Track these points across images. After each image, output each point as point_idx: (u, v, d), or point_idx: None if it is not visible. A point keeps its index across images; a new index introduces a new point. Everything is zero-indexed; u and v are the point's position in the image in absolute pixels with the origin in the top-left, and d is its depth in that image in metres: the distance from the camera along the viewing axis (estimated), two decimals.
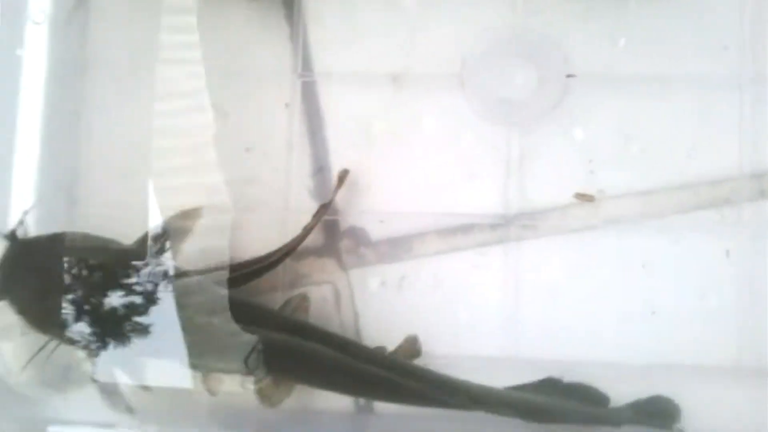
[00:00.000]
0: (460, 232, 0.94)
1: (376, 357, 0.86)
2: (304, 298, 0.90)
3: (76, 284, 0.83)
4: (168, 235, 0.85)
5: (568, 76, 0.94)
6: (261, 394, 0.84)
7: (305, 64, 0.97)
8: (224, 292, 0.82)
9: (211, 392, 0.84)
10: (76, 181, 0.97)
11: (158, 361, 0.83)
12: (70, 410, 0.91)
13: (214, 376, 0.84)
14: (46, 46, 0.97)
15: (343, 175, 0.92)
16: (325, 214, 0.92)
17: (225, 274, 0.84)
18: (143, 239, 0.85)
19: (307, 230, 0.90)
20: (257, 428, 0.90)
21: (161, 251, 0.85)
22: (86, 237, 0.86)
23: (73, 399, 0.91)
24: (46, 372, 0.92)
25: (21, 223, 0.85)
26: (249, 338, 0.81)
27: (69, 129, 0.98)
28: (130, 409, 0.86)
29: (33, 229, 0.87)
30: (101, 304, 0.82)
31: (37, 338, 0.87)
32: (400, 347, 0.88)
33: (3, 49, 0.96)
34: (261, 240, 0.92)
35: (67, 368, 0.92)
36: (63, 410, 0.91)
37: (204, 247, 0.86)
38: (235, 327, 0.81)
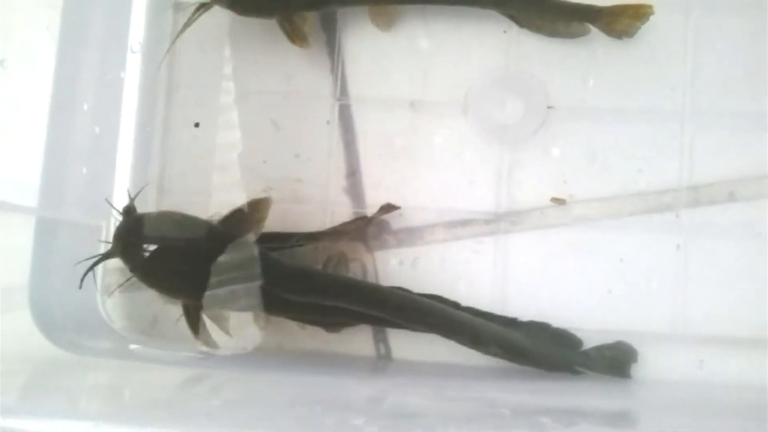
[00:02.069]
0: (461, 225, 1.07)
1: (398, 298, 1.00)
2: (343, 255, 1.04)
3: (176, 250, 0.96)
4: (242, 217, 0.98)
5: (549, 107, 1.07)
6: None
7: (343, 91, 1.10)
8: (284, 258, 0.97)
9: (259, 327, 1.01)
10: (164, 175, 1.11)
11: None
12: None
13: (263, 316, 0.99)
14: (140, 70, 1.11)
15: (389, 209, 1.06)
16: (364, 226, 1.06)
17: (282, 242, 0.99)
18: (225, 219, 0.98)
19: (344, 227, 1.05)
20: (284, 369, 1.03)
21: (238, 228, 0.97)
22: (183, 215, 0.98)
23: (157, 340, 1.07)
24: (140, 322, 1.08)
25: (133, 200, 0.96)
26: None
27: (159, 136, 1.11)
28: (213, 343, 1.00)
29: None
30: (195, 264, 0.94)
31: (136, 297, 1.03)
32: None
33: (109, 72, 1.09)
34: (306, 227, 1.06)
35: (156, 319, 1.09)
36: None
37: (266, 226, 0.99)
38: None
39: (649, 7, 1.04)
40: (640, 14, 1.04)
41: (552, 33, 1.08)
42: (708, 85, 1.07)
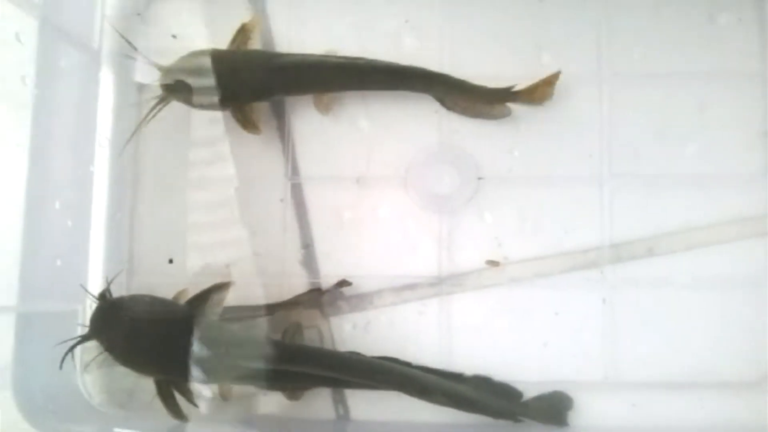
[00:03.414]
0: (407, 289, 1.14)
1: (352, 360, 1.06)
2: (299, 326, 1.11)
3: (147, 330, 1.00)
4: (207, 297, 1.03)
5: (479, 178, 1.14)
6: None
7: (294, 171, 1.17)
8: (245, 331, 1.04)
9: (224, 397, 1.05)
10: (132, 259, 1.17)
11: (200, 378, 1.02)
12: (131, 421, 1.09)
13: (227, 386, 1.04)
14: (108, 163, 1.18)
15: (343, 284, 1.12)
16: (318, 297, 1.11)
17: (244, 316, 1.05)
18: (191, 300, 1.04)
19: (299, 298, 1.11)
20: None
21: (204, 308, 1.03)
22: (153, 298, 1.03)
23: (134, 414, 1.10)
24: (117, 395, 1.12)
25: (109, 285, 1.02)
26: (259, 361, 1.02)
27: (127, 222, 1.18)
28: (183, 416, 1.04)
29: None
30: (165, 343, 1.00)
31: (112, 371, 1.07)
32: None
33: (79, 168, 1.15)
34: (265, 298, 1.13)
35: (132, 393, 1.12)
36: (126, 421, 1.09)
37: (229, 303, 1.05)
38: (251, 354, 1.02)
39: (557, 73, 1.12)
40: (551, 81, 1.12)
41: (476, 114, 1.16)
42: (623, 150, 1.15)
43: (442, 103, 1.17)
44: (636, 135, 1.16)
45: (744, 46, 1.16)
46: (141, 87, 1.20)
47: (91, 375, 1.13)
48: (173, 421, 1.04)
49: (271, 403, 1.12)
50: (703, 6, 1.17)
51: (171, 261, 1.14)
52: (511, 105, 1.15)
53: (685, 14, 1.17)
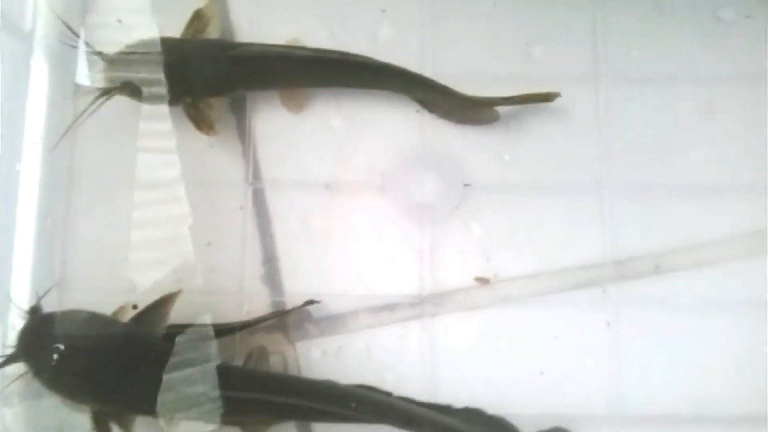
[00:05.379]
0: (385, 310, 1.06)
1: (324, 388, 0.98)
2: (264, 350, 1.01)
3: (84, 351, 0.92)
4: (153, 314, 0.96)
5: (466, 184, 1.07)
6: None
7: (255, 175, 1.08)
8: (199, 354, 0.94)
9: None
10: (66, 271, 1.06)
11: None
12: None
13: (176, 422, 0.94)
14: (39, 161, 1.07)
15: (310, 303, 1.04)
16: (281, 315, 1.03)
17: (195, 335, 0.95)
18: (137, 316, 0.96)
19: (261, 319, 1.02)
20: None
21: (149, 326, 0.95)
22: (91, 314, 0.95)
23: None
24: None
25: (40, 299, 0.95)
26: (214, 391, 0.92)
27: (60, 229, 1.07)
28: None
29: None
30: (105, 366, 0.92)
31: (38, 404, 0.97)
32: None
33: (4, 165, 1.06)
34: (220, 319, 1.00)
35: (61, 430, 1.01)
36: None
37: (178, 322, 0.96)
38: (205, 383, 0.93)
39: (556, 93, 1.06)
40: (548, 99, 1.06)
41: (460, 120, 1.09)
42: (622, 156, 1.08)
43: (423, 105, 1.10)
44: (636, 140, 1.09)
45: (752, 44, 1.11)
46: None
47: (13, 408, 1.02)
48: None
49: None
50: (707, 1, 1.12)
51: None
52: (499, 108, 1.09)
53: (689, 10, 1.12)
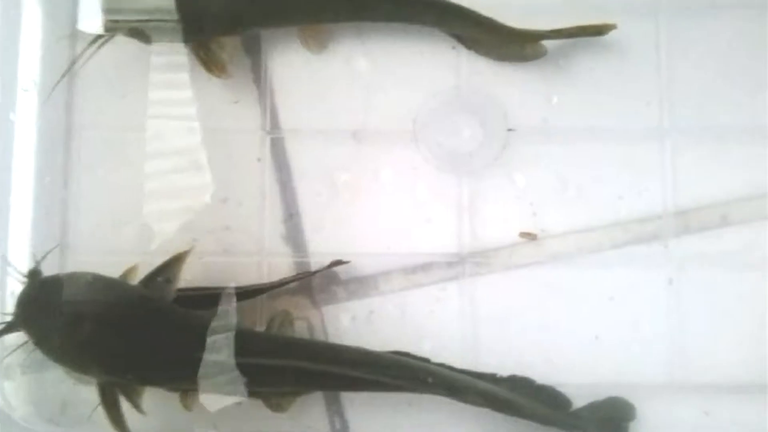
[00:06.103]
0: (420, 270, 1.02)
1: (355, 353, 0.93)
2: (288, 315, 0.97)
3: (90, 318, 0.89)
4: (163, 276, 0.92)
5: (509, 129, 1.03)
6: None
7: (273, 123, 1.05)
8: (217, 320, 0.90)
9: (187, 407, 0.92)
10: (67, 231, 1.03)
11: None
12: None
13: (191, 394, 0.91)
14: (35, 111, 1.04)
15: (336, 263, 0.99)
16: (305, 277, 1.00)
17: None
18: (146, 279, 0.92)
19: (283, 281, 0.98)
20: None
21: (160, 289, 0.91)
22: (96, 276, 0.92)
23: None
24: (46, 407, 0.99)
25: (39, 262, 0.92)
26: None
27: (59, 185, 1.04)
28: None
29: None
30: (113, 334, 0.89)
31: (41, 377, 0.94)
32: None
33: None
34: (238, 282, 0.96)
35: (65, 404, 1.00)
36: None
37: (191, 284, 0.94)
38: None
39: (611, 25, 1.00)
40: (601, 31, 1.00)
41: (503, 56, 1.04)
42: (686, 96, 1.04)
43: (460, 40, 1.05)
44: (702, 78, 1.04)
45: None
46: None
47: (14, 382, 1.00)
48: None
49: (249, 415, 0.98)
50: None
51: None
52: (547, 42, 1.02)
53: None
